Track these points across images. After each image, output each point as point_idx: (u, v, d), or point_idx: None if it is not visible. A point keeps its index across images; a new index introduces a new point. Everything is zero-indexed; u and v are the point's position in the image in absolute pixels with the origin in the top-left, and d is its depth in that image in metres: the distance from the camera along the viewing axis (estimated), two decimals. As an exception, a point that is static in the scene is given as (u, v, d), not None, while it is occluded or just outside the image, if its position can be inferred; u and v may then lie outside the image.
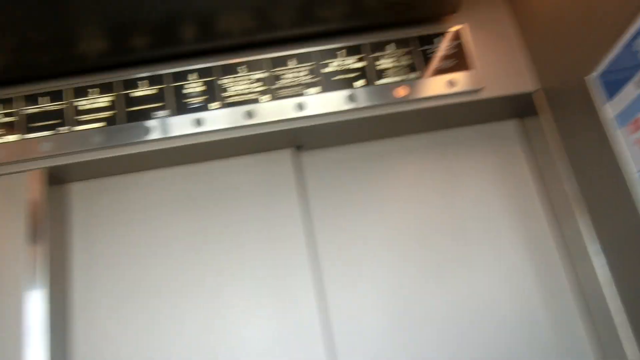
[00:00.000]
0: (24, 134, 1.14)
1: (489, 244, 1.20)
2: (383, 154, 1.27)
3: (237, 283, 1.15)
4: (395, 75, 1.16)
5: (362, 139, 1.27)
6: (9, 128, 1.14)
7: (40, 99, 1.16)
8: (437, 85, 1.16)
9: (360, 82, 1.16)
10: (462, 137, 1.29)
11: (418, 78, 1.16)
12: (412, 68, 1.17)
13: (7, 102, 1.16)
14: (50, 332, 1.05)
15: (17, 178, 1.13)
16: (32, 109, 1.15)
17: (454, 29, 1.20)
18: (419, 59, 1.17)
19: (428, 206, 1.23)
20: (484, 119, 1.28)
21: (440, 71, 1.17)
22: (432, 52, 1.18)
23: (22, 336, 1.01)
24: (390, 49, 1.18)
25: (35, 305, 1.04)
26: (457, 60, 1.18)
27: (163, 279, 1.16)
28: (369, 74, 1.16)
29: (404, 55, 1.18)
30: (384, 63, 1.17)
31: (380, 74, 1.16)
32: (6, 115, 1.15)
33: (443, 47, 1.18)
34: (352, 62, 1.17)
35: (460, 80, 1.16)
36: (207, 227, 1.19)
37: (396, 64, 1.17)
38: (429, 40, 1.18)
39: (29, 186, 1.13)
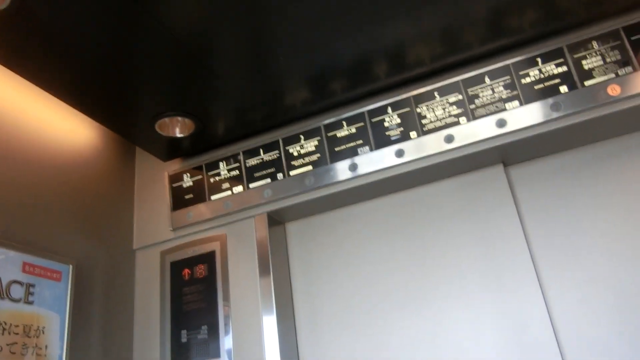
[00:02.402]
0: (249, 183, 1.29)
1: None
2: (595, 158, 1.16)
3: (460, 303, 1.14)
4: (604, 73, 1.07)
5: (571, 146, 1.18)
6: (237, 180, 1.30)
7: (259, 151, 1.30)
8: (657, 76, 1.04)
9: (564, 88, 1.08)
10: (695, 128, 1.13)
11: (633, 72, 1.05)
12: (624, 62, 1.06)
13: (233, 157, 1.32)
14: (280, 348, 1.15)
15: (247, 223, 1.28)
16: (253, 161, 1.30)
17: (670, 10, 1.07)
18: (630, 50, 1.07)
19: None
20: None
21: (659, 60, 1.05)
22: (647, 41, 1.06)
23: (262, 350, 1.14)
24: (594, 46, 1.09)
25: (269, 326, 1.16)
26: (679, 43, 1.05)
27: (381, 303, 1.20)
28: (573, 77, 1.08)
29: (611, 50, 1.08)
30: (590, 62, 1.08)
31: (588, 74, 1.08)
32: (233, 169, 1.32)
33: (660, 32, 1.06)
34: (553, 68, 1.11)
35: (685, 65, 1.03)
36: (423, 251, 1.21)
37: (603, 61, 1.08)
38: (642, 28, 1.07)
39: (256, 229, 1.26)
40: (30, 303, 1.05)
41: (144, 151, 1.43)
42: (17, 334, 0.99)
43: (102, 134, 1.37)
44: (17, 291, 1.02)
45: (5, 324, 0.98)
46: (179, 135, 1.25)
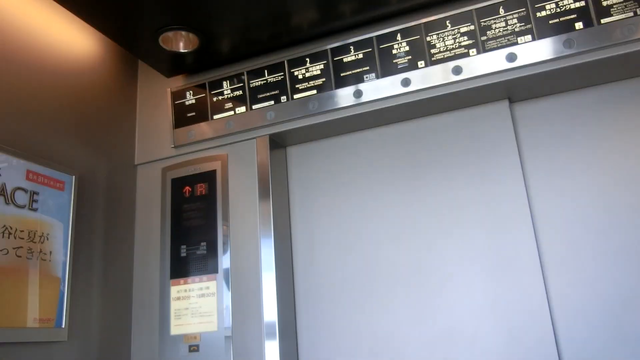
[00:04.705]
0: (252, 104, 1.28)
1: None
2: (603, 100, 1.15)
3: (453, 235, 1.17)
4: (622, 12, 1.04)
5: (580, 85, 1.16)
6: (240, 101, 1.29)
7: (263, 72, 1.28)
8: (677, 18, 1.01)
9: (579, 24, 1.06)
10: None
11: (652, 11, 1.02)
12: (645, 1, 1.03)
13: (237, 77, 1.31)
14: (277, 269, 1.20)
15: (248, 144, 1.28)
16: (257, 82, 1.28)
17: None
18: (653, -12, 1.03)
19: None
20: None
21: (681, 0, 1.01)
22: (671, -21, 1.02)
23: (259, 269, 1.19)
24: (617, -19, 1.05)
25: (267, 248, 1.20)
26: None
27: (376, 228, 1.23)
28: (590, 14, 1.05)
29: (634, -14, 1.04)
30: (609, -1, 1.05)
31: (605, 11, 1.04)
32: (236, 89, 1.30)
33: (686, -29, 1.02)
34: (570, 2, 1.07)
35: None
36: (422, 182, 1.22)
37: (624, -3, 1.04)
38: (669, -35, 1.02)
39: (258, 151, 1.27)
40: (35, 210, 1.07)
41: (147, 67, 1.41)
42: (22, 238, 1.02)
43: (106, 46, 1.34)
44: (22, 198, 1.04)
45: (11, 228, 1.00)
46: (182, 50, 1.23)
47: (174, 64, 1.31)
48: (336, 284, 1.24)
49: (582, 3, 1.06)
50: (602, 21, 1.04)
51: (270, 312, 1.16)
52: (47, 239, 1.09)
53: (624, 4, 1.03)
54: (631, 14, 1.03)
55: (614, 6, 1.04)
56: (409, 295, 1.17)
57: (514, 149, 1.17)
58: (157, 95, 1.40)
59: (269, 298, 1.17)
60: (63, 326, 1.08)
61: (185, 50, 1.23)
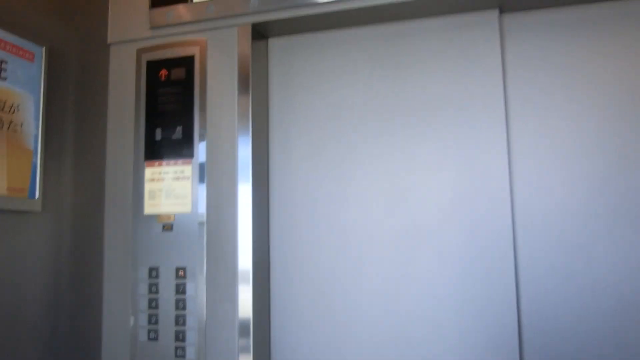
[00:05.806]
0: (235, -11, 1.22)
1: None
2: (596, 19, 1.14)
3: (427, 139, 1.19)
4: None
5: (573, 1, 1.14)
6: (223, -17, 1.23)
7: (250, -46, 1.21)
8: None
9: None
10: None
11: None
12: None
13: (221, -43, 1.23)
14: (252, 163, 1.20)
15: (229, 32, 1.24)
16: (242, -36, 1.22)
17: None
18: None
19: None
20: None
21: None
22: None
23: (235, 161, 1.20)
24: None
25: (244, 140, 1.21)
26: None
27: (354, 130, 1.24)
28: None
29: None
30: None
31: None
32: (220, -30, 1.23)
33: None
34: None
35: None
36: (402, 85, 1.22)
37: None
38: None
39: (239, 40, 1.23)
40: (4, 79, 1.03)
41: None
42: (-8, 106, 0.99)
43: None
44: (-10, 64, 1.00)
45: (-19, 94, 0.97)
46: None
47: (155, -64, 1.22)
48: (311, 186, 1.26)
49: None
50: None
51: (244, 202, 1.18)
52: (18, 109, 1.06)
53: None
54: None
55: None
56: (381, 195, 1.21)
57: (498, 60, 1.17)
58: (134, -31, 1.32)
59: (244, 190, 1.18)
60: (37, 197, 1.09)
61: None
